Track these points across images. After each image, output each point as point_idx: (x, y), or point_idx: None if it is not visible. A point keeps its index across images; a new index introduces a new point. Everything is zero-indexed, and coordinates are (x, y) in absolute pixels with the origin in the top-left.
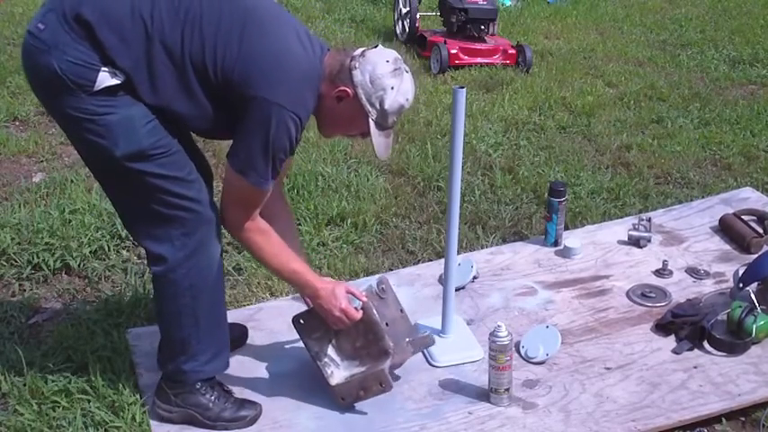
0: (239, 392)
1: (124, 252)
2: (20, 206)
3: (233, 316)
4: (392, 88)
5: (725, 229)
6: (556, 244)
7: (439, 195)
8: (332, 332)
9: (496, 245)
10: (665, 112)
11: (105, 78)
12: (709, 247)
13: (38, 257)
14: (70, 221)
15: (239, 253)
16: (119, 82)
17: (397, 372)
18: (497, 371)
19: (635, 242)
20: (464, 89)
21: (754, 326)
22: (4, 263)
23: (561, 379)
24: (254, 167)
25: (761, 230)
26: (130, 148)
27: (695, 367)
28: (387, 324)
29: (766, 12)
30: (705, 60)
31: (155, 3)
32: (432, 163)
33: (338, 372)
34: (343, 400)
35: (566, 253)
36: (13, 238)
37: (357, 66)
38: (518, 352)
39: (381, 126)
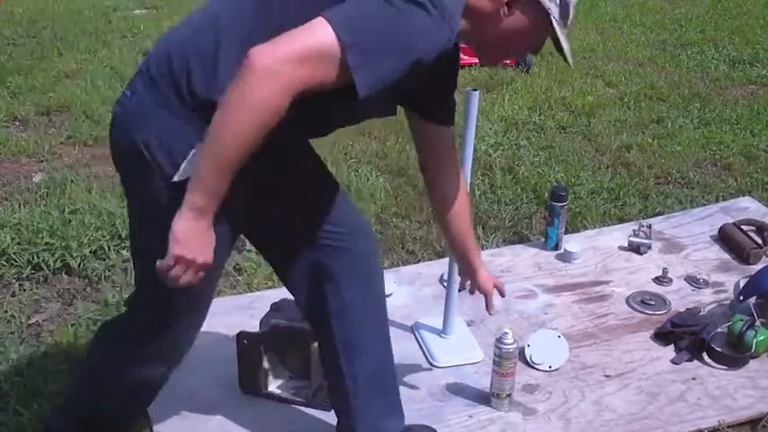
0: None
1: (124, 252)
2: (20, 206)
3: (232, 303)
4: None
5: (724, 238)
6: (556, 247)
7: None
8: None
9: (496, 245)
10: (665, 112)
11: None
12: (708, 255)
13: (38, 257)
14: (70, 221)
15: (239, 253)
16: None
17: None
18: (501, 377)
19: (635, 249)
20: (477, 91)
21: (755, 340)
22: (4, 263)
23: (561, 385)
24: (343, 18)
25: (760, 241)
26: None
27: (694, 378)
28: None
29: (766, 12)
30: (705, 60)
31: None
32: None
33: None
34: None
35: (566, 257)
36: (13, 238)
37: None
38: (522, 353)
39: (564, 23)
